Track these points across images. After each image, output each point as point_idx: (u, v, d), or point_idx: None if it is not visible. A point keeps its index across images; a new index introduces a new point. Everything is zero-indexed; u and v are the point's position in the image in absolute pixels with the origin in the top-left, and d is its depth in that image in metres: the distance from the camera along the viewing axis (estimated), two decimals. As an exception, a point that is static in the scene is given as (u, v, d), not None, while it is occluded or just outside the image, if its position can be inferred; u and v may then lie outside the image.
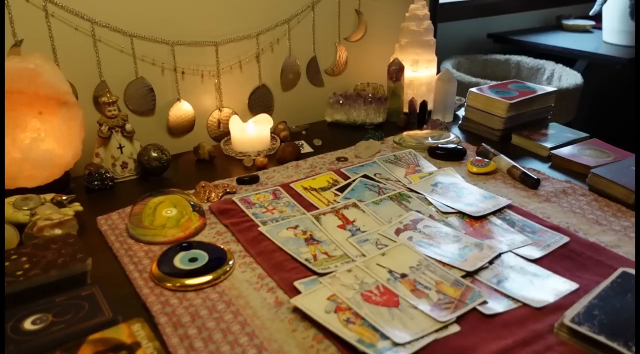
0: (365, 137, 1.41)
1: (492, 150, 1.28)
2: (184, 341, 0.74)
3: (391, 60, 1.55)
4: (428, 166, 1.26)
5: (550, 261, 0.90)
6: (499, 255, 0.92)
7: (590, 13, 2.42)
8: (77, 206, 1.04)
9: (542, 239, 0.96)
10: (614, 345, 0.68)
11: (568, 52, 2.27)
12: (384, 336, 0.73)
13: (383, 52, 1.66)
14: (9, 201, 0.99)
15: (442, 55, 1.95)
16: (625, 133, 2.42)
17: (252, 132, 1.35)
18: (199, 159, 1.33)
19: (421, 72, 1.59)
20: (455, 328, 0.75)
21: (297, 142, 1.41)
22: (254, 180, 1.20)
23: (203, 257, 0.91)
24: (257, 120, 1.36)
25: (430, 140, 1.38)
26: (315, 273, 0.87)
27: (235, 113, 1.45)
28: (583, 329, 0.71)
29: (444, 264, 0.89)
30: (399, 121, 1.53)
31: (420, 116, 1.53)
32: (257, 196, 1.12)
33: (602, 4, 2.34)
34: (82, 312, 0.73)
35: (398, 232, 0.98)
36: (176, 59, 1.33)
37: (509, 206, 1.07)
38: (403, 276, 0.85)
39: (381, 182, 1.18)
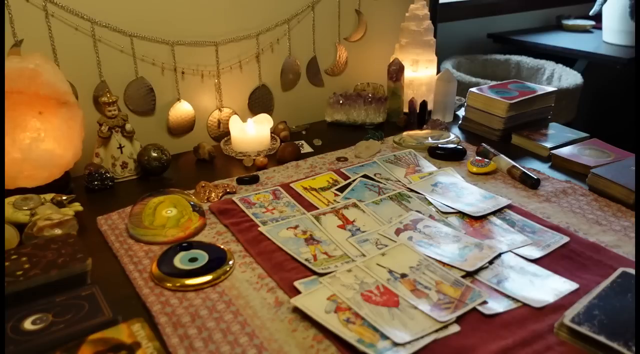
0: (365, 137, 1.41)
1: (492, 150, 1.28)
2: (184, 341, 0.74)
3: (391, 60, 1.55)
4: (428, 166, 1.26)
5: (550, 261, 0.90)
6: (499, 255, 0.92)
7: (590, 13, 2.42)
8: (77, 206, 1.04)
9: (542, 239, 0.96)
10: (614, 345, 0.68)
11: (568, 52, 2.28)
12: (384, 336, 0.73)
13: (383, 52, 1.66)
14: (9, 201, 0.99)
15: (442, 55, 1.95)
16: (625, 133, 2.42)
17: (252, 132, 1.35)
18: (199, 159, 1.33)
19: (421, 72, 1.59)
20: (455, 328, 0.75)
21: (297, 142, 1.41)
22: (254, 180, 1.20)
23: (203, 257, 0.91)
24: (257, 120, 1.36)
25: (430, 140, 1.38)
26: (315, 273, 0.87)
27: (235, 113, 1.45)
28: (583, 329, 0.71)
29: (444, 264, 0.89)
30: (399, 121, 1.53)
31: (420, 116, 1.53)
32: (257, 196, 1.12)
33: (602, 4, 2.34)
34: (82, 312, 0.73)
35: (398, 232, 0.98)
36: (176, 59, 1.34)
37: (509, 206, 1.07)
38: (403, 276, 0.85)
39: (381, 182, 1.18)
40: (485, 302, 0.80)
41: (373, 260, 0.89)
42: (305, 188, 1.16)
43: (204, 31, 1.35)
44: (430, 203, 1.09)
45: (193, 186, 1.17)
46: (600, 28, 2.44)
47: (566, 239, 0.96)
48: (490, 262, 0.90)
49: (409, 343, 0.72)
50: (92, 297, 0.76)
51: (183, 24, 1.31)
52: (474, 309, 0.79)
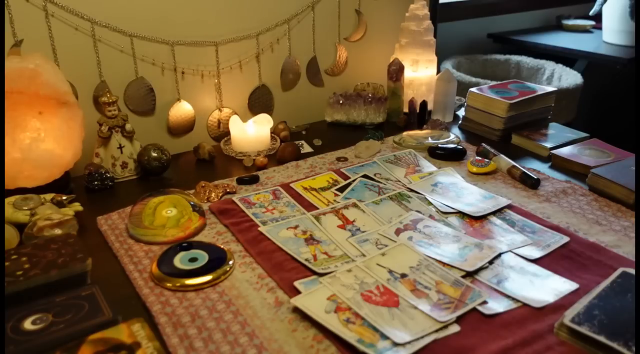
0: (365, 137, 1.41)
1: (492, 150, 1.28)
2: (184, 341, 0.74)
3: (391, 60, 1.55)
4: (428, 166, 1.26)
5: (550, 261, 0.90)
6: (499, 255, 0.92)
7: (590, 13, 2.42)
8: (77, 206, 1.04)
9: (542, 239, 0.96)
10: (614, 345, 0.68)
11: (568, 52, 2.28)
12: (384, 336, 0.73)
13: (383, 52, 1.66)
14: (9, 201, 0.99)
15: (442, 55, 1.95)
16: (625, 133, 2.42)
17: (252, 132, 1.35)
18: (199, 159, 1.33)
19: (421, 72, 1.59)
20: (455, 328, 0.75)
21: (297, 142, 1.41)
22: (254, 180, 1.20)
23: (203, 257, 0.91)
24: (257, 120, 1.36)
25: (430, 140, 1.38)
26: (315, 273, 0.87)
27: (235, 113, 1.45)
28: (583, 329, 0.71)
29: (444, 264, 0.89)
30: (399, 121, 1.53)
31: (420, 116, 1.53)
32: (257, 196, 1.12)
33: (602, 4, 2.34)
34: (82, 312, 0.73)
35: (398, 232, 0.98)
36: (176, 59, 1.34)
37: (509, 206, 1.07)
38: (403, 276, 0.85)
39: (381, 182, 1.18)
40: (485, 302, 0.80)
41: (373, 260, 0.89)
42: (305, 188, 1.16)
43: (204, 31, 1.35)
44: (430, 203, 1.09)
45: (193, 186, 1.17)
46: (600, 28, 2.44)
47: (566, 239, 0.96)
48: (490, 262, 0.90)
49: (409, 343, 0.72)
50: (92, 297, 0.76)
51: (183, 24, 1.31)
52: (474, 309, 0.79)
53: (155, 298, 0.83)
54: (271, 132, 1.39)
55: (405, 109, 1.58)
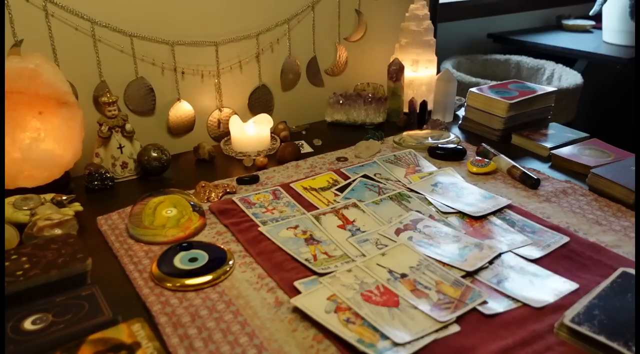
0: (365, 137, 1.41)
1: (492, 150, 1.28)
2: (184, 341, 0.74)
3: (391, 60, 1.55)
4: (428, 166, 1.26)
5: (550, 261, 0.90)
6: (499, 255, 0.92)
7: (590, 13, 2.42)
8: (77, 206, 1.04)
9: (542, 239, 0.96)
10: (614, 345, 0.68)
11: (568, 52, 2.28)
12: (384, 336, 0.73)
13: (383, 52, 1.66)
14: (9, 201, 0.99)
15: (442, 55, 1.95)
16: (625, 133, 2.42)
17: (252, 132, 1.35)
18: (199, 159, 1.33)
19: (421, 72, 1.59)
20: (455, 328, 0.75)
21: (297, 142, 1.41)
22: (254, 180, 1.20)
23: (203, 257, 0.91)
24: (257, 120, 1.36)
25: (430, 140, 1.38)
26: (315, 273, 0.87)
27: (235, 113, 1.45)
28: (583, 329, 0.71)
29: (444, 264, 0.89)
30: (399, 121, 1.53)
31: (420, 116, 1.53)
32: (257, 196, 1.12)
33: (602, 4, 2.34)
34: (82, 312, 0.73)
35: (398, 232, 0.98)
36: (176, 59, 1.33)
37: (509, 206, 1.07)
38: (403, 276, 0.85)
39: (381, 182, 1.18)
40: (485, 302, 0.80)
41: (373, 260, 0.89)
42: (305, 188, 1.16)
43: (204, 31, 1.35)
44: (430, 203, 1.09)
45: (193, 186, 1.17)
46: (600, 28, 2.44)
47: (566, 239, 0.96)
48: (490, 262, 0.90)
49: (409, 343, 0.72)
50: (92, 297, 0.76)
51: (183, 24, 1.31)
52: (474, 309, 0.79)
53: (155, 298, 0.83)
54: (271, 132, 1.39)
55: (405, 109, 1.58)
